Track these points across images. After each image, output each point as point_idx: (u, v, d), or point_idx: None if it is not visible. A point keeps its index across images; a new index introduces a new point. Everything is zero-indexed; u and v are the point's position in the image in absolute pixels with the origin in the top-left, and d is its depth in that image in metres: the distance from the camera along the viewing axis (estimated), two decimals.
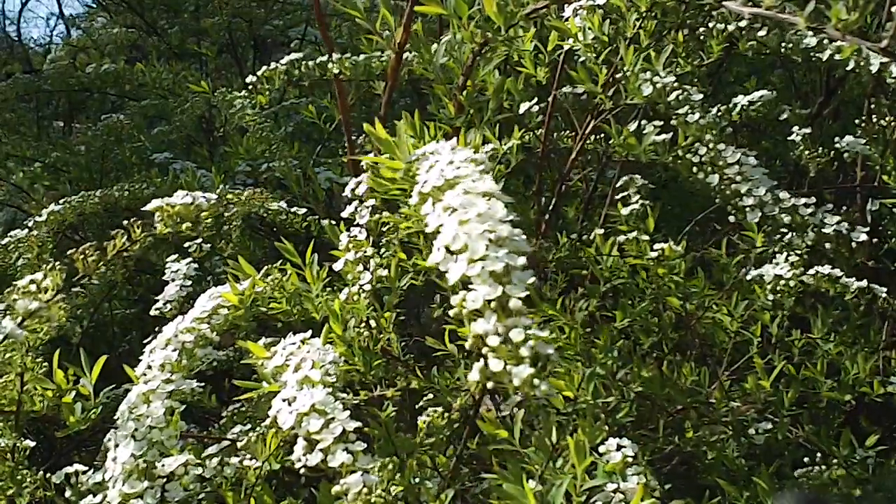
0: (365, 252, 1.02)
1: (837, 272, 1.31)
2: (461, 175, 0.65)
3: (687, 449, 1.30)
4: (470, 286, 0.57)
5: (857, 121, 1.63)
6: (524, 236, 0.60)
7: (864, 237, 0.92)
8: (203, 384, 1.11)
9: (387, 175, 0.77)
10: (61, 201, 1.77)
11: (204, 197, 1.00)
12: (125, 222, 0.95)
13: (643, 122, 1.24)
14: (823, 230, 0.93)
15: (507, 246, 0.58)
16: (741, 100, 1.51)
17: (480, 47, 1.12)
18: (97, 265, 0.88)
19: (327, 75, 1.27)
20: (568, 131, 1.69)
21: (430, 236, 0.66)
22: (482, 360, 0.55)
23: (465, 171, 0.66)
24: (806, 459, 1.28)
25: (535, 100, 1.50)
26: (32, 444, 1.08)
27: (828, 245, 0.93)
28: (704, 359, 1.97)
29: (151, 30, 3.23)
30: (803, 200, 0.97)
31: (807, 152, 1.57)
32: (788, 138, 1.60)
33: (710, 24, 1.28)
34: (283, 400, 0.77)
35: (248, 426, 1.37)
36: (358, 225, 1.05)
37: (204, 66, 3.14)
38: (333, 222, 1.42)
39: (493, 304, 0.55)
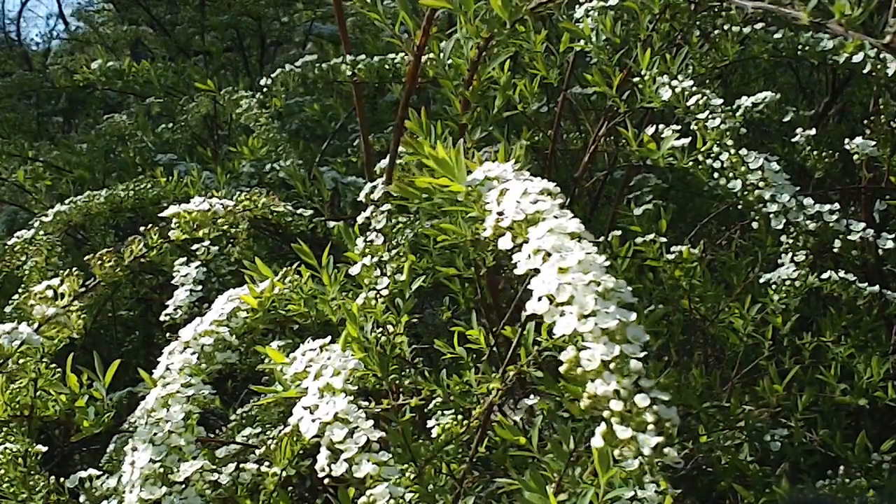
0: (382, 257, 1.01)
1: (851, 276, 1.31)
2: (542, 210, 0.63)
3: (700, 454, 1.29)
4: (580, 343, 0.55)
5: (864, 121, 1.62)
6: (629, 287, 0.58)
7: (890, 244, 0.92)
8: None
9: (442, 197, 0.75)
10: (67, 201, 1.76)
11: (221, 203, 0.99)
12: (142, 228, 0.94)
13: (652, 124, 1.23)
14: (849, 237, 0.93)
15: (615, 299, 0.57)
16: (745, 101, 1.50)
17: (486, 42, 1.11)
18: (114, 271, 0.88)
19: (341, 78, 1.26)
20: (577, 132, 1.68)
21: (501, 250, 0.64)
22: (604, 424, 0.54)
23: (545, 206, 0.64)
24: (825, 468, 1.27)
25: (545, 99, 1.49)
26: (44, 449, 1.07)
27: (854, 252, 0.93)
28: (708, 360, 1.97)
29: (157, 24, 3.21)
30: (828, 207, 0.96)
31: (815, 153, 1.57)
32: (793, 139, 1.59)
33: (725, 27, 1.27)
34: (305, 408, 0.76)
35: (259, 429, 1.36)
36: (374, 230, 1.04)
37: (209, 63, 3.12)
38: (340, 223, 1.41)
39: (611, 365, 0.54)
